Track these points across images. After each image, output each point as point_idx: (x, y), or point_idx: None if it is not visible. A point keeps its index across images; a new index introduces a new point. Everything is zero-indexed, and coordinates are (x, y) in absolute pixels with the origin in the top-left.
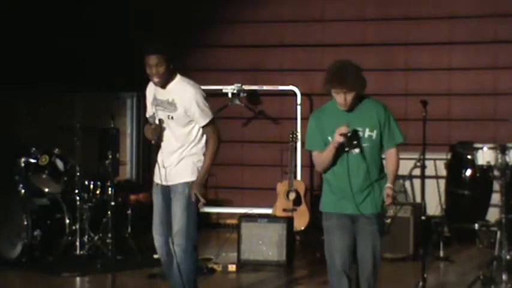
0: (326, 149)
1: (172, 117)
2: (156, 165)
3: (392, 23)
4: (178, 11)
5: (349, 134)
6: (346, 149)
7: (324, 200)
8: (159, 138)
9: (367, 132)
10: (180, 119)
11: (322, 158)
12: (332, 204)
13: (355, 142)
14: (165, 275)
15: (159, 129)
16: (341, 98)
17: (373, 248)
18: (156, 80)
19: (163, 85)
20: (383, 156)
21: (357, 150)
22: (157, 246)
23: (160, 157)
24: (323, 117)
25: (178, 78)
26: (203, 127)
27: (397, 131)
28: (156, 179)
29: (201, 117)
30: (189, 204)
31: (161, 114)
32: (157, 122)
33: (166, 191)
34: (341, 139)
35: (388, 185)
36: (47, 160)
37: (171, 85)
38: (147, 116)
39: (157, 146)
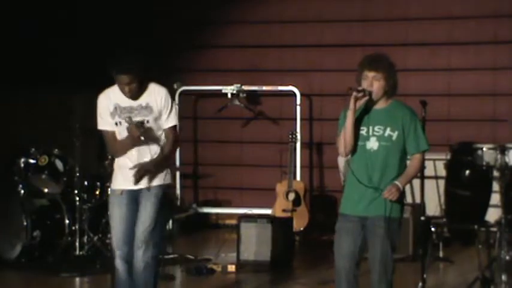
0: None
1: (148, 121)
2: (119, 172)
3: (391, 24)
4: (177, 12)
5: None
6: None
7: (342, 201)
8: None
9: (387, 131)
10: (155, 122)
11: (344, 132)
12: (344, 206)
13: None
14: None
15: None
16: (367, 83)
17: (381, 253)
18: (129, 96)
19: (136, 98)
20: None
21: (375, 148)
22: (119, 260)
23: (124, 161)
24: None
25: (150, 84)
26: (171, 127)
27: (423, 138)
28: (119, 186)
29: (174, 117)
30: (161, 207)
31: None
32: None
33: (134, 195)
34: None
35: (396, 182)
36: (47, 160)
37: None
38: (103, 127)
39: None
